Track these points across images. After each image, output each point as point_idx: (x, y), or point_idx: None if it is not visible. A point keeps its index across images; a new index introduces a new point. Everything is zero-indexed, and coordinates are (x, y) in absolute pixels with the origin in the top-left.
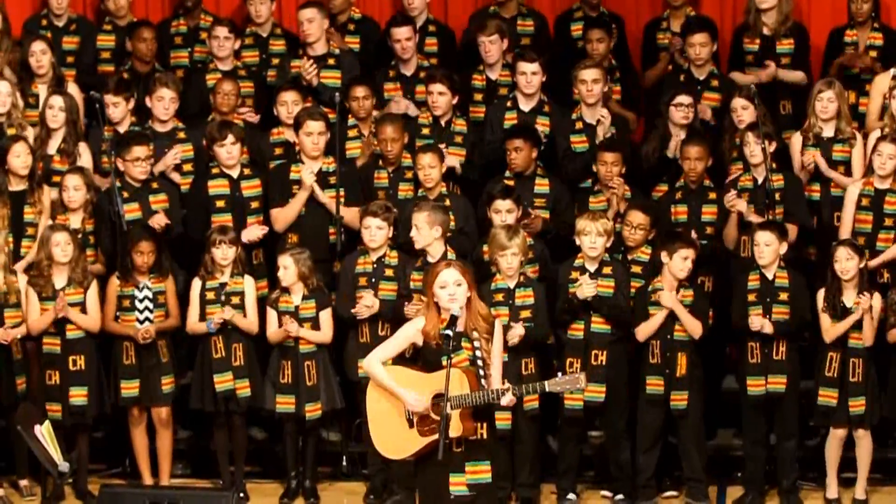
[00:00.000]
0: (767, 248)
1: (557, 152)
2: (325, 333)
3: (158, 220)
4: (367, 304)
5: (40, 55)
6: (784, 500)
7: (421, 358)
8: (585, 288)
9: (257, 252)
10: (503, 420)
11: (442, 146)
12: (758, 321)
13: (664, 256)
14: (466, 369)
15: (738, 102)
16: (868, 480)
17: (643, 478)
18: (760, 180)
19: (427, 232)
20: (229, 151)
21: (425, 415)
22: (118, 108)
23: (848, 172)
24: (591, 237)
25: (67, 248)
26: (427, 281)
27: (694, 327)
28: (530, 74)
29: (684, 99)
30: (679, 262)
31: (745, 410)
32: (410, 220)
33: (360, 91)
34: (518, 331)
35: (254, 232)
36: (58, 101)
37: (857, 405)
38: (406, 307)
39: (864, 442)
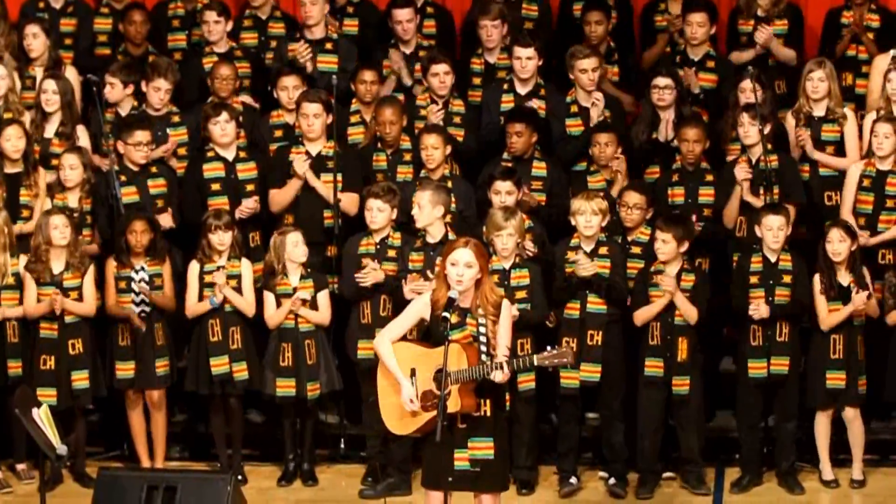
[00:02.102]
0: (780, 233)
1: (553, 136)
2: (324, 314)
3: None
4: (373, 267)
5: (32, 38)
6: (782, 481)
7: (430, 332)
8: (583, 267)
9: (254, 234)
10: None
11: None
12: (762, 308)
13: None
14: (468, 345)
15: (742, 84)
16: (864, 462)
17: (646, 466)
18: (755, 160)
19: (429, 211)
20: (223, 129)
21: (427, 390)
22: (114, 90)
23: (839, 152)
24: (587, 216)
25: (66, 231)
26: (443, 252)
27: (690, 313)
28: (525, 59)
29: (660, 81)
30: (659, 245)
31: (740, 393)
32: (409, 202)
33: (368, 75)
34: (512, 311)
35: (247, 205)
36: (51, 84)
37: (860, 384)
38: (405, 286)
39: (856, 422)
